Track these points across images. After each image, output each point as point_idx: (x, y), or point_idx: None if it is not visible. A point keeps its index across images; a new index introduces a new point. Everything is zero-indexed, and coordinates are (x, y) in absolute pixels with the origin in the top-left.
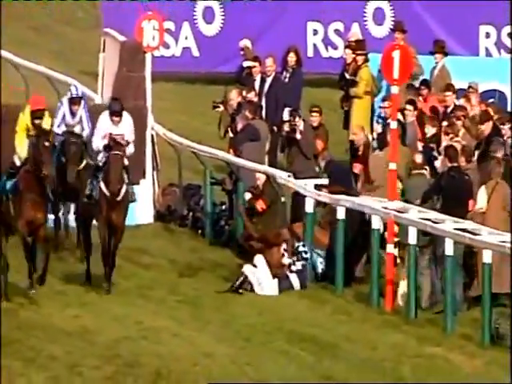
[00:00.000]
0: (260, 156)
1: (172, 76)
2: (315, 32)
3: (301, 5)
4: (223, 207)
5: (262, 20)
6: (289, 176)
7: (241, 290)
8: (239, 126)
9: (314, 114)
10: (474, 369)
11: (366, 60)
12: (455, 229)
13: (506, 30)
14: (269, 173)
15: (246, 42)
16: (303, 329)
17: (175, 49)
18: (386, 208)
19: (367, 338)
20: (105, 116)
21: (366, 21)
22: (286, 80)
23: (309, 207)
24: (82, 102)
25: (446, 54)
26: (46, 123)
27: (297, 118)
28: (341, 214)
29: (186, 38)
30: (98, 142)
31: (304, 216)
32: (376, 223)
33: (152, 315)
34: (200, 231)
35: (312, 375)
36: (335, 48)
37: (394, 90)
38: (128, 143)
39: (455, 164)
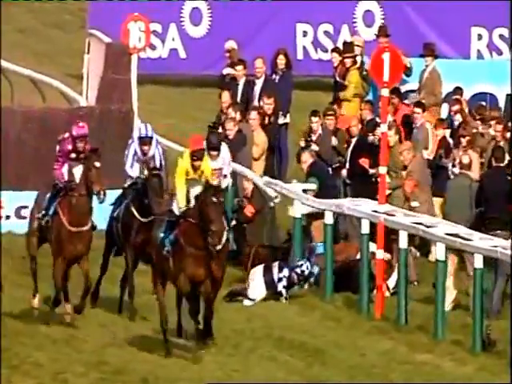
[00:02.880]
0: (249, 161)
1: (159, 78)
2: (305, 34)
3: (290, 6)
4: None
5: (250, 21)
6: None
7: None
8: (230, 133)
9: (329, 117)
10: (464, 376)
11: (355, 62)
12: (447, 234)
13: (498, 31)
14: (256, 178)
15: (231, 44)
16: (292, 335)
17: (162, 50)
18: (375, 212)
19: (356, 344)
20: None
21: (355, 22)
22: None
23: (328, 219)
24: (154, 140)
25: (436, 57)
26: (205, 165)
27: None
28: (328, 218)
29: (173, 40)
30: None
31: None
32: (365, 228)
33: (139, 321)
34: None
35: (301, 382)
36: (325, 50)
37: (384, 92)
38: (225, 177)
39: (501, 164)
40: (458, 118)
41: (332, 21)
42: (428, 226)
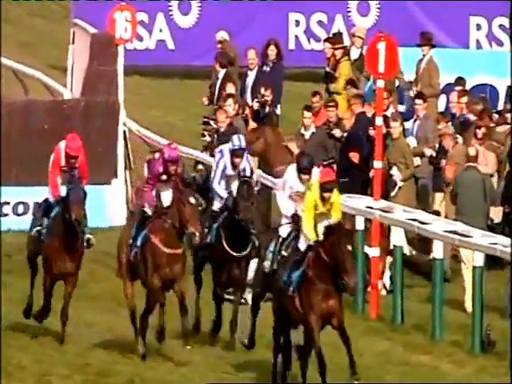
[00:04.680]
0: None
1: (146, 70)
2: (297, 23)
3: None
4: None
5: (241, 11)
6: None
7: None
8: (221, 125)
9: (331, 109)
10: (463, 377)
11: (345, 54)
12: (445, 231)
13: (498, 21)
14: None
15: (223, 35)
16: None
17: (149, 41)
18: (370, 208)
19: (352, 345)
20: (292, 171)
21: (349, 11)
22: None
23: (359, 225)
24: (245, 153)
25: (433, 46)
26: (335, 198)
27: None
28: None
29: (161, 30)
30: (284, 201)
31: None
32: (360, 224)
33: (126, 322)
34: None
35: (295, 383)
36: (318, 40)
37: (380, 84)
38: None
39: None
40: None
41: (325, 10)
42: (425, 223)
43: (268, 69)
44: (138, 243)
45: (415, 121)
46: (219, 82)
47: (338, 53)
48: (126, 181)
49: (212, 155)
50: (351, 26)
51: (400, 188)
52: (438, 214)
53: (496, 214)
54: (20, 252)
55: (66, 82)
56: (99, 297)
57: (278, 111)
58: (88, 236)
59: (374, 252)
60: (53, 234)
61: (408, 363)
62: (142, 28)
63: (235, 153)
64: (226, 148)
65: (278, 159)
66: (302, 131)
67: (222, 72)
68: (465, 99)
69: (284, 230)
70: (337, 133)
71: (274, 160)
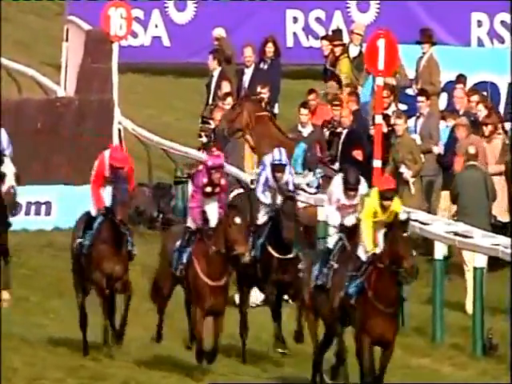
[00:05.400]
0: (237, 156)
1: (141, 67)
2: (295, 20)
3: None
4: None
5: (237, 7)
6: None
7: None
8: (218, 123)
9: (336, 107)
10: (464, 381)
11: (345, 51)
12: (446, 231)
13: (499, 17)
14: (240, 174)
15: (220, 32)
16: (285, 340)
17: (144, 38)
18: None
19: (352, 348)
20: (338, 183)
21: (348, 7)
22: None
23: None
24: (287, 167)
25: (433, 44)
26: (395, 206)
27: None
28: (322, 215)
29: (156, 27)
30: (331, 212)
31: None
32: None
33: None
34: None
35: None
36: (316, 38)
37: (379, 81)
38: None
39: None
40: (480, 108)
41: (324, 7)
42: (426, 224)
43: (265, 66)
44: (184, 260)
45: (418, 118)
46: (215, 80)
47: (338, 50)
48: None
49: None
50: (350, 23)
51: (413, 184)
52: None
53: (502, 213)
54: (14, 253)
55: (60, 79)
56: (93, 299)
57: (276, 110)
58: (130, 248)
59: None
60: (97, 241)
61: (408, 366)
62: (137, 24)
63: (276, 168)
64: (267, 160)
65: (264, 134)
66: (300, 128)
67: (217, 70)
68: (475, 98)
69: (331, 241)
70: (340, 130)
71: (259, 138)
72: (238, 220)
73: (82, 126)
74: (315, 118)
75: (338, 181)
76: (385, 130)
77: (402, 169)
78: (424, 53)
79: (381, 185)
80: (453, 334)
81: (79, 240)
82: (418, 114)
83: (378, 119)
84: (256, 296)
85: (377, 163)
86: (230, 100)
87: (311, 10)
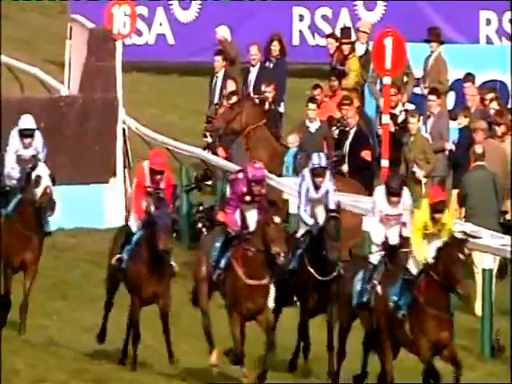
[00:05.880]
0: (241, 155)
1: (145, 66)
2: (301, 18)
3: None
4: (201, 208)
5: (243, 5)
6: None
7: None
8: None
9: (345, 107)
10: (472, 382)
11: (353, 49)
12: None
13: (508, 15)
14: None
15: (223, 32)
16: (289, 341)
17: (148, 36)
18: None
19: (360, 350)
20: (380, 193)
21: (355, 5)
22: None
23: (292, 209)
24: (327, 172)
25: (442, 42)
26: (447, 218)
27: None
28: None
29: (161, 25)
30: (375, 227)
31: None
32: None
33: (124, 326)
34: (176, 234)
35: None
36: (323, 36)
37: (386, 80)
38: (404, 225)
39: None
40: (493, 106)
41: (330, 4)
42: None
43: (271, 65)
44: (222, 265)
45: (428, 117)
46: (220, 80)
47: (346, 48)
48: (124, 180)
49: (214, 153)
50: (357, 21)
51: (425, 184)
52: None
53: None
54: None
55: (63, 78)
56: (96, 299)
57: (282, 109)
58: (172, 263)
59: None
60: (137, 259)
61: (416, 368)
62: (141, 22)
63: (315, 172)
64: (306, 170)
65: (259, 137)
66: (307, 123)
67: (222, 70)
68: (490, 95)
69: (375, 258)
70: (348, 129)
71: (253, 141)
72: (277, 219)
73: (85, 126)
74: (319, 114)
75: (380, 191)
76: (392, 128)
77: (415, 168)
78: (432, 51)
79: (431, 197)
80: (461, 335)
81: (118, 256)
82: (428, 113)
83: (386, 119)
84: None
85: (384, 163)
86: (235, 99)
87: (317, 7)
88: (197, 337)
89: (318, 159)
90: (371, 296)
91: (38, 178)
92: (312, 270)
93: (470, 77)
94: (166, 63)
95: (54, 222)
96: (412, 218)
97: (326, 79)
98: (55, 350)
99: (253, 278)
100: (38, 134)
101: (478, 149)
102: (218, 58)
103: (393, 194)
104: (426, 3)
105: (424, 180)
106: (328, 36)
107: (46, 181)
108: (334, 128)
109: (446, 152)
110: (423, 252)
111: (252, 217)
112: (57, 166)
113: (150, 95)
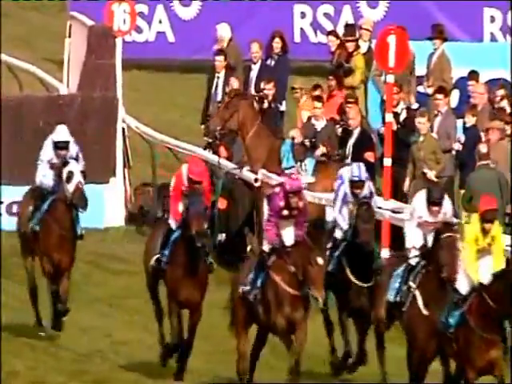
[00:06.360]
0: (240, 154)
1: (145, 63)
2: (303, 15)
3: None
4: None
5: (244, 2)
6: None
7: None
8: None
9: (350, 105)
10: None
11: (358, 47)
12: None
13: None
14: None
15: (224, 32)
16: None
17: (148, 33)
18: (380, 208)
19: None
20: (421, 199)
21: (358, 3)
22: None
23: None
24: (367, 183)
25: (445, 40)
26: (496, 230)
27: None
28: (329, 215)
29: (161, 22)
30: (413, 231)
31: None
32: None
33: (124, 327)
34: None
35: None
36: (324, 33)
37: (390, 79)
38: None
39: None
40: (503, 104)
41: (332, 1)
42: None
43: (272, 62)
44: (259, 284)
45: (435, 116)
46: (222, 79)
47: (351, 45)
48: (124, 180)
49: (214, 153)
50: (359, 19)
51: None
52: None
53: None
54: (16, 253)
55: (63, 76)
56: (95, 300)
57: (283, 107)
58: (210, 260)
59: (385, 254)
60: (175, 259)
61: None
62: (141, 19)
63: (355, 184)
64: (345, 174)
65: (257, 136)
66: (313, 121)
67: (223, 71)
68: (501, 92)
69: (413, 261)
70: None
71: (252, 139)
72: (320, 261)
73: (85, 125)
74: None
75: (421, 196)
76: (394, 127)
77: (425, 169)
78: (435, 49)
79: (482, 205)
80: None
81: (157, 256)
82: (435, 112)
83: (389, 117)
84: None
85: (387, 162)
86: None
87: (319, 4)
88: (198, 337)
89: (358, 171)
90: (406, 298)
91: (70, 174)
92: (352, 278)
93: (474, 74)
94: (166, 61)
95: None
96: (462, 234)
97: (327, 77)
98: (54, 351)
99: (292, 287)
100: (72, 144)
101: (483, 148)
102: (220, 58)
103: (434, 203)
104: (430, 0)
105: (435, 180)
106: (329, 33)
107: (77, 177)
108: (337, 126)
109: (453, 152)
110: (474, 268)
111: (288, 233)
112: None
113: (150, 93)
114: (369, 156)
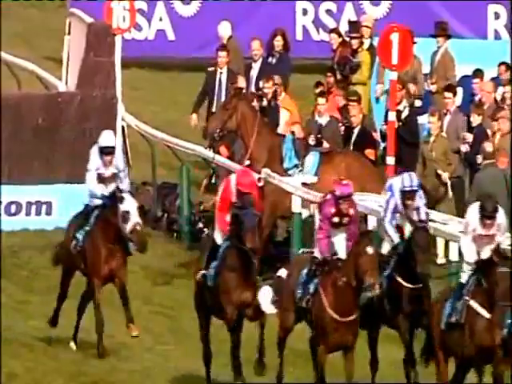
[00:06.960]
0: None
1: (145, 61)
2: (305, 12)
3: None
4: (201, 207)
5: None
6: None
7: None
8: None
9: (352, 103)
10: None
11: (362, 43)
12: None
13: None
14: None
15: (224, 28)
16: (294, 344)
17: (148, 31)
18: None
19: (365, 354)
20: (474, 212)
21: (360, 0)
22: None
23: (296, 207)
24: (418, 192)
25: (449, 37)
26: None
27: None
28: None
29: (161, 20)
30: (467, 246)
31: None
32: (372, 224)
33: (124, 328)
34: (176, 234)
35: None
36: (327, 30)
37: (393, 76)
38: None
39: None
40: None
41: None
42: (440, 223)
43: (274, 60)
44: (311, 291)
45: (444, 115)
46: (224, 76)
47: (355, 42)
48: None
49: (215, 152)
50: (362, 16)
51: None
52: None
53: None
54: (12, 254)
55: (61, 74)
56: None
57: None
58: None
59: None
60: (224, 270)
61: (424, 372)
62: (140, 17)
63: (407, 195)
64: (396, 184)
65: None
66: (316, 117)
67: (225, 68)
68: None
69: (464, 277)
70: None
71: (252, 139)
72: (370, 250)
73: (84, 123)
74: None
75: (474, 209)
76: (396, 125)
77: (439, 170)
78: (439, 46)
79: None
80: None
81: (203, 272)
82: (444, 111)
83: (392, 116)
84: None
85: (390, 160)
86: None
87: (322, 1)
88: (197, 338)
89: (410, 181)
90: (462, 315)
91: (126, 214)
92: (401, 280)
93: (478, 73)
94: (166, 59)
95: (53, 221)
96: None
97: (326, 74)
98: (53, 352)
99: (340, 314)
100: (118, 151)
101: (488, 147)
102: (223, 54)
103: (487, 217)
104: None
105: (449, 182)
106: (331, 31)
107: (134, 217)
108: (339, 124)
109: (463, 151)
110: None
111: (340, 242)
112: (55, 164)
113: (150, 92)
114: (369, 153)
